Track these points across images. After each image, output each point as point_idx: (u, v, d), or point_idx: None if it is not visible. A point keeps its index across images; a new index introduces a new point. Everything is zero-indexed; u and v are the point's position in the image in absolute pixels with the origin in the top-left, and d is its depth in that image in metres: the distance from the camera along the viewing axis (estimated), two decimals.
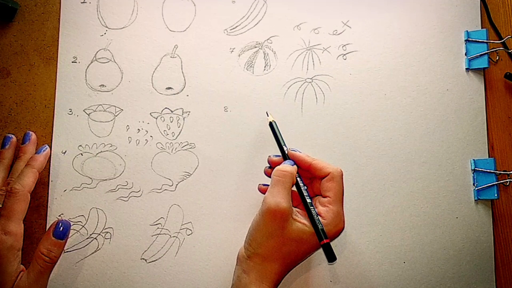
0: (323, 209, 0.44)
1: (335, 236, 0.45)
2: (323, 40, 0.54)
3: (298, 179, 0.46)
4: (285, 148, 0.48)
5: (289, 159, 0.47)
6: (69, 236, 0.48)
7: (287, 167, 0.45)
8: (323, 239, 0.43)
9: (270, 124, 0.49)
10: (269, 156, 0.48)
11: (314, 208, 0.44)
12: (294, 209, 0.45)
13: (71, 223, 0.49)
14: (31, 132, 0.50)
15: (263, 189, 0.49)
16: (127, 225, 0.50)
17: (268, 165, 0.49)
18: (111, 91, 0.52)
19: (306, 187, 0.46)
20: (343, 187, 0.45)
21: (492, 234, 0.53)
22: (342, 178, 0.45)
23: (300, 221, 0.43)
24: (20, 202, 0.44)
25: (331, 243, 0.44)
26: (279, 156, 0.48)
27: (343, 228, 0.45)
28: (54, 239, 0.44)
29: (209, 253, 0.50)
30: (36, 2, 0.52)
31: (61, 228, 0.45)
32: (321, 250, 0.45)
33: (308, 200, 0.45)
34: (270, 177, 0.46)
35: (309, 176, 0.48)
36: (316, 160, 0.46)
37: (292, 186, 0.45)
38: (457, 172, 0.53)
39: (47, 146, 0.49)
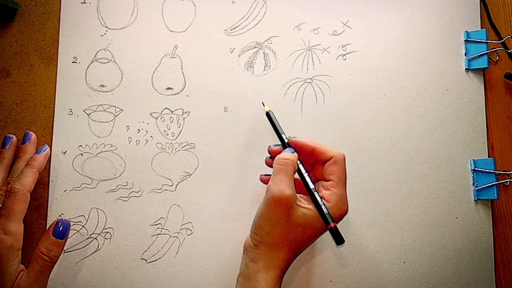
0: (327, 193, 0.44)
1: (339, 219, 0.45)
2: (323, 40, 0.54)
3: (300, 165, 0.46)
4: (284, 136, 0.48)
5: (289, 147, 0.47)
6: (69, 236, 0.48)
7: (288, 155, 0.45)
8: (330, 223, 0.43)
9: (267, 113, 0.49)
10: (269, 146, 0.48)
11: (318, 193, 0.45)
12: (298, 195, 0.45)
13: (71, 223, 0.49)
14: (31, 132, 0.50)
15: (264, 179, 0.49)
16: (127, 225, 0.50)
17: (269, 156, 0.49)
18: (111, 91, 0.52)
19: (308, 173, 0.46)
20: (345, 170, 0.45)
21: (492, 234, 0.53)
22: (344, 162, 0.45)
23: (305, 206, 0.44)
24: (20, 201, 0.44)
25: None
26: (279, 145, 0.48)
27: (347, 211, 0.45)
28: (54, 238, 0.44)
29: (209, 253, 0.50)
30: (36, 3, 0.52)
31: (61, 227, 0.45)
32: (324, 243, 0.45)
33: (312, 186, 0.45)
34: (271, 167, 0.46)
35: (310, 162, 0.48)
36: (319, 144, 0.46)
37: (294, 173, 0.45)
38: (457, 172, 0.53)
39: (47, 146, 0.49)
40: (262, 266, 0.43)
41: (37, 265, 0.43)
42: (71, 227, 0.49)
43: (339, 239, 0.43)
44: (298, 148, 0.47)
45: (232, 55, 0.53)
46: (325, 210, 0.43)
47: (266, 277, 0.42)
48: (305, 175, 0.46)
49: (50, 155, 0.50)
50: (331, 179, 0.45)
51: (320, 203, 0.44)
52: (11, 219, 0.43)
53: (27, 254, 0.48)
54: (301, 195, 0.45)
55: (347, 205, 0.45)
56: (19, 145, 0.50)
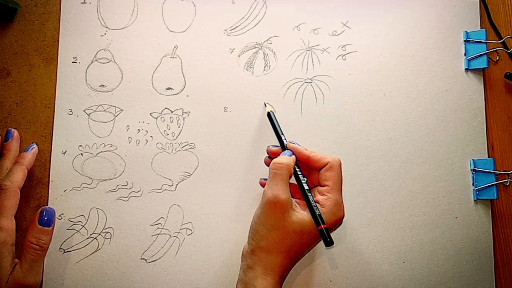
0: (322, 198, 0.45)
1: (336, 224, 0.45)
2: (323, 40, 0.54)
3: (297, 168, 0.46)
4: (282, 137, 0.48)
5: (288, 149, 0.47)
6: (70, 236, 0.48)
7: (284, 159, 0.46)
8: (320, 224, 0.43)
9: (268, 114, 0.50)
10: (268, 146, 0.49)
11: (311, 194, 0.45)
12: (294, 200, 0.45)
13: (55, 211, 0.48)
14: (13, 130, 0.50)
15: (264, 183, 0.49)
16: (127, 225, 0.50)
17: (268, 155, 0.49)
18: (111, 91, 0.52)
19: (306, 179, 0.46)
20: (341, 176, 0.46)
21: (492, 234, 0.53)
22: (340, 168, 0.46)
23: (300, 211, 0.44)
24: (10, 198, 0.44)
25: (333, 232, 0.44)
26: (277, 146, 0.48)
27: (343, 216, 0.45)
28: (41, 227, 0.45)
29: (209, 253, 0.50)
30: (36, 3, 0.52)
31: (45, 217, 0.45)
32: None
33: (306, 187, 0.45)
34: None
35: (305, 169, 0.48)
36: (314, 152, 0.47)
37: (290, 177, 0.45)
38: (457, 172, 0.53)
39: (35, 145, 0.49)
40: (260, 272, 0.43)
41: (29, 255, 0.44)
42: (71, 227, 0.49)
43: (328, 241, 0.43)
44: (295, 155, 0.47)
45: (232, 55, 0.53)
46: (317, 212, 0.44)
47: (264, 283, 0.42)
48: (301, 177, 0.46)
49: (50, 155, 0.50)
50: (327, 185, 0.45)
51: (312, 204, 0.44)
52: (3, 215, 0.44)
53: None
54: (297, 201, 0.46)
55: (343, 210, 0.45)
56: (17, 144, 0.49)
